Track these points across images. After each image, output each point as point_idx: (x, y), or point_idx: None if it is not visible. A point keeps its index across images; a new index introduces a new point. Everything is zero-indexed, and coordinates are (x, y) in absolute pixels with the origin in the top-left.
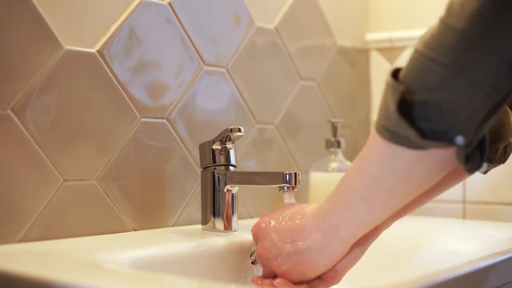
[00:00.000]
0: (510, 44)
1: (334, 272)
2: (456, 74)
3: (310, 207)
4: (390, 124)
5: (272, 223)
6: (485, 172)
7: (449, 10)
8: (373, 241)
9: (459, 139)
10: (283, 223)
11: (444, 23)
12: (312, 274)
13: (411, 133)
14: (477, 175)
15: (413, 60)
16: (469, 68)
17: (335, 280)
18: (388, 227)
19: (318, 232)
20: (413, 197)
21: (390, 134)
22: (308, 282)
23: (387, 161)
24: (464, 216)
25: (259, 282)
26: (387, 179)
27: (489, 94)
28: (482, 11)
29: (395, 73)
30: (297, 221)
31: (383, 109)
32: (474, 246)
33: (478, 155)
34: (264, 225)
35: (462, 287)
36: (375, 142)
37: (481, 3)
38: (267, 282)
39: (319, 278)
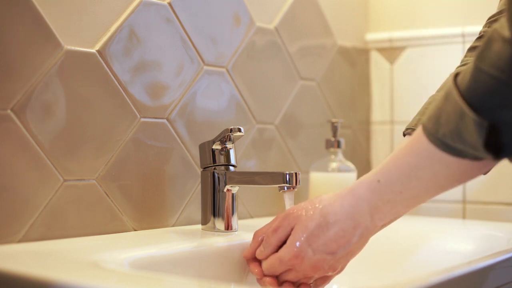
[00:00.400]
0: None
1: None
2: None
3: (328, 210)
4: (461, 147)
5: (309, 247)
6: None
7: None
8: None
9: None
10: (319, 240)
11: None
12: (358, 252)
13: (485, 155)
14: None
15: (482, 82)
16: None
17: (332, 277)
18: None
19: (360, 229)
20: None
21: (455, 151)
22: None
23: (444, 169)
24: (464, 216)
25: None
26: (441, 185)
27: None
28: None
29: (459, 89)
30: (327, 228)
31: (451, 129)
32: (474, 246)
33: None
34: (301, 251)
35: (462, 287)
36: (429, 152)
37: None
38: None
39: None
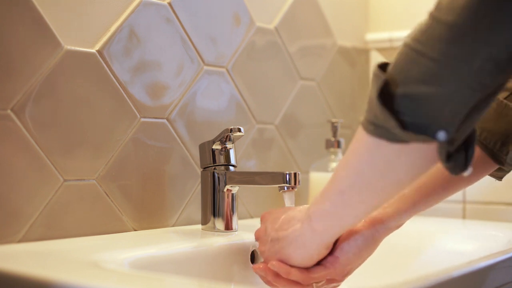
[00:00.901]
0: (497, 39)
1: (333, 258)
2: (442, 67)
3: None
4: (372, 116)
5: (277, 213)
6: (500, 178)
7: (439, 4)
8: (378, 234)
9: (441, 135)
10: (279, 215)
11: (433, 16)
12: (293, 262)
13: (391, 124)
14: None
15: (401, 53)
16: (455, 61)
17: (335, 267)
18: (397, 224)
19: (299, 223)
20: (393, 194)
21: (372, 126)
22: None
23: (367, 154)
24: (464, 216)
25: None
26: (365, 173)
27: (474, 90)
28: (471, 5)
29: (383, 66)
30: (289, 213)
31: (368, 102)
32: (474, 246)
33: (464, 155)
34: (271, 210)
35: (462, 287)
36: (359, 136)
37: None
38: (261, 266)
39: (320, 264)
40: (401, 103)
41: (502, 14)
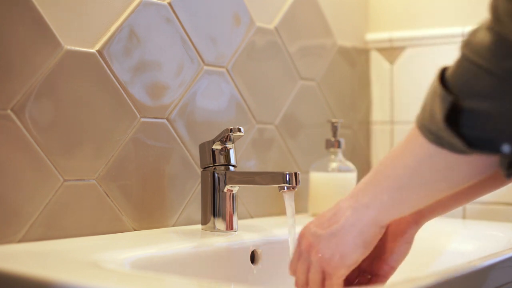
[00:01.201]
0: None
1: (388, 267)
2: (507, 84)
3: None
4: (434, 128)
5: (314, 222)
6: None
7: (497, 17)
8: (415, 233)
9: (506, 148)
10: (321, 217)
11: (495, 31)
12: (353, 256)
13: (456, 141)
14: None
15: (462, 67)
16: None
17: (389, 276)
18: (427, 220)
19: (350, 210)
20: (449, 193)
21: (433, 136)
22: (359, 280)
23: (427, 159)
24: (464, 216)
25: None
26: (424, 176)
27: None
28: None
29: (442, 75)
30: (333, 209)
31: (428, 110)
32: (474, 246)
33: None
34: (306, 226)
35: (462, 287)
36: (416, 139)
37: None
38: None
39: (374, 274)
40: (467, 119)
41: None
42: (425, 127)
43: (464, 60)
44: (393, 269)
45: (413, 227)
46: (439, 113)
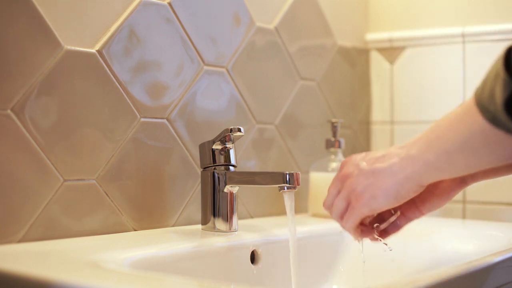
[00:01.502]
0: None
1: (419, 213)
2: None
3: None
4: (492, 108)
5: (362, 155)
6: None
7: None
8: (455, 194)
9: None
10: (371, 154)
11: None
12: (382, 201)
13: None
14: None
15: None
16: None
17: (414, 219)
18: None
19: (397, 158)
20: (497, 165)
21: (490, 115)
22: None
23: (480, 133)
24: (464, 216)
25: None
26: (474, 147)
27: None
28: None
29: (508, 56)
30: (384, 151)
31: (488, 90)
32: (474, 246)
33: None
34: (354, 155)
35: (462, 287)
36: (473, 113)
37: None
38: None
39: (402, 213)
40: None
41: None
42: (483, 105)
43: None
44: (422, 215)
45: (455, 189)
46: (499, 97)
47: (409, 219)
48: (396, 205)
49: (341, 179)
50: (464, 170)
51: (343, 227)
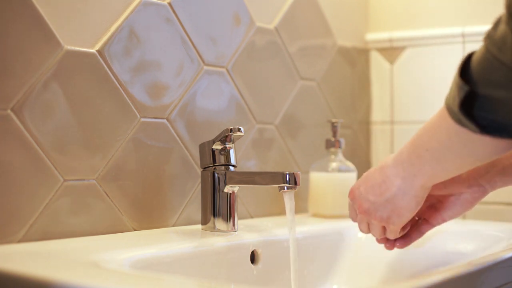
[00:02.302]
0: None
1: (441, 219)
2: None
3: (385, 161)
4: (456, 110)
5: (361, 187)
6: None
7: (510, 15)
8: (478, 202)
9: None
10: (369, 182)
11: (510, 28)
12: (409, 214)
13: (471, 127)
14: None
15: (484, 57)
16: None
17: (436, 225)
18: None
19: (399, 179)
20: (483, 163)
21: (456, 117)
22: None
23: (455, 136)
24: (464, 216)
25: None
26: (455, 150)
27: None
28: None
29: (467, 61)
30: (378, 175)
31: (452, 94)
32: (474, 246)
33: None
34: (356, 188)
35: (462, 287)
36: (445, 117)
37: None
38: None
39: (425, 220)
40: (482, 104)
41: None
42: (450, 108)
43: (486, 52)
44: (444, 221)
45: (477, 199)
46: (457, 100)
47: (432, 225)
48: (420, 207)
49: (364, 217)
50: (455, 171)
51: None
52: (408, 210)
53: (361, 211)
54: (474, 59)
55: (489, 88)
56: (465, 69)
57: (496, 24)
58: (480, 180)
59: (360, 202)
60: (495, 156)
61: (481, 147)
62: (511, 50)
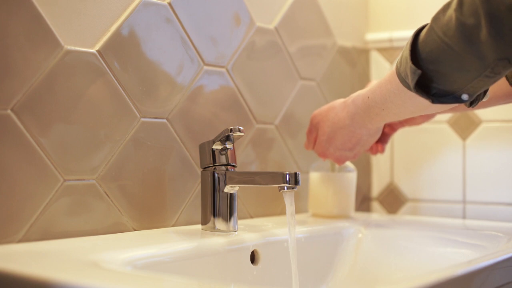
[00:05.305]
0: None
1: (381, 147)
2: (464, 60)
3: (339, 118)
4: (407, 85)
5: (331, 147)
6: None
7: (460, 4)
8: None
9: (465, 97)
10: (337, 141)
11: (457, 17)
12: (372, 142)
13: (426, 98)
14: (477, 175)
15: (431, 39)
16: (475, 58)
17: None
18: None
19: (363, 130)
20: (421, 114)
21: (407, 85)
22: None
23: (408, 99)
24: (464, 216)
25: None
26: (409, 107)
27: (490, 77)
28: (489, 12)
29: (415, 40)
30: (344, 134)
31: (403, 69)
32: (474, 246)
33: (482, 96)
34: (323, 145)
35: (462, 287)
36: (397, 83)
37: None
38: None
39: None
40: (431, 79)
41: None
42: (401, 78)
43: (433, 33)
44: (403, 126)
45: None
46: (410, 81)
47: (395, 130)
48: (378, 137)
49: (336, 161)
50: (405, 118)
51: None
52: (372, 141)
53: (335, 160)
54: (421, 40)
55: (435, 65)
56: (414, 50)
57: (445, 9)
58: None
59: (334, 156)
60: (440, 110)
61: (428, 107)
62: (454, 34)
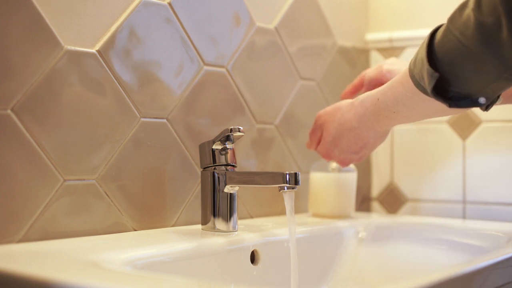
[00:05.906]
0: None
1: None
2: (483, 61)
3: (346, 119)
4: (423, 88)
5: (336, 149)
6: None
7: (479, 4)
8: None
9: (482, 100)
10: (343, 143)
11: (475, 17)
12: (379, 145)
13: (444, 103)
14: (477, 175)
15: (448, 40)
16: (494, 59)
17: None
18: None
19: (371, 132)
20: (434, 117)
21: (422, 88)
22: None
23: (421, 102)
24: (464, 216)
25: None
26: (421, 110)
27: (510, 79)
28: (510, 10)
29: (431, 41)
30: (350, 136)
31: (418, 71)
32: (474, 246)
33: (496, 99)
34: (328, 147)
35: (462, 287)
36: (410, 84)
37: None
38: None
39: None
40: (448, 82)
41: None
42: (416, 80)
43: (449, 34)
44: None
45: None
46: (427, 85)
47: None
48: (385, 139)
49: (340, 164)
50: (415, 121)
51: None
52: (378, 144)
53: (339, 163)
54: (437, 41)
55: (452, 67)
56: (431, 51)
57: (461, 9)
58: None
59: (338, 159)
60: (451, 114)
61: (443, 111)
62: (472, 34)
